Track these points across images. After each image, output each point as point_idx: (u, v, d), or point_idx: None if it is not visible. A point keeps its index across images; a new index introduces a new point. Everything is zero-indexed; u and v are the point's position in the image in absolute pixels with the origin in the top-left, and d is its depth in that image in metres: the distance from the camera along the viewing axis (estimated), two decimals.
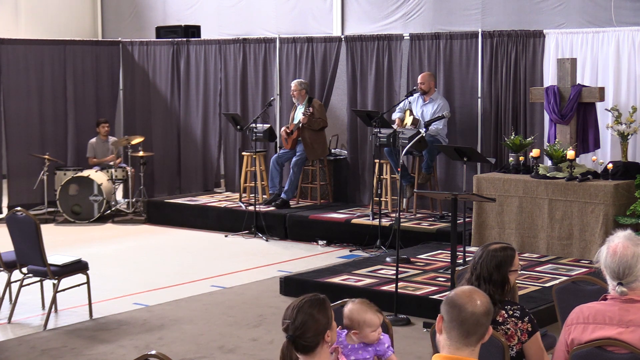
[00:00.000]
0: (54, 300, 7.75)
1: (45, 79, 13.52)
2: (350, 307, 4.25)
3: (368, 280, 8.47)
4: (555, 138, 9.95)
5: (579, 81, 10.13)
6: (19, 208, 7.85)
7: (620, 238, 3.86)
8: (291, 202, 12.01)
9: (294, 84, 11.94)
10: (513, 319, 4.29)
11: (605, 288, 4.87)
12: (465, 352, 3.24)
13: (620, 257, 3.80)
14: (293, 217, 11.40)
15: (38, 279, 7.94)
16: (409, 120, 11.09)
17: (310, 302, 3.56)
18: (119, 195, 13.56)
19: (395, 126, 11.06)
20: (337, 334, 4.22)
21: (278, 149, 12.53)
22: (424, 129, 8.97)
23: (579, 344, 3.91)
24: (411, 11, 12.15)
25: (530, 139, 10.28)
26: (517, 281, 4.75)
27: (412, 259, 9.25)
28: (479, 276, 4.33)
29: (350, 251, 10.54)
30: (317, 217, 11.28)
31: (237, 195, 12.87)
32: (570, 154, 9.42)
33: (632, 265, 3.81)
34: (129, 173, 12.88)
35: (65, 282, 7.80)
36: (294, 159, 11.94)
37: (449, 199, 7.64)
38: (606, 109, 10.17)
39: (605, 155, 10.29)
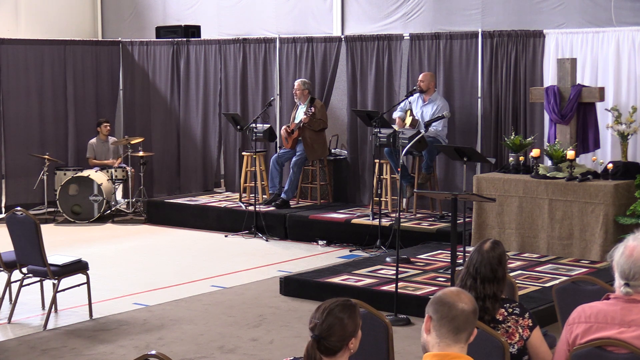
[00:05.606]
0: (54, 300, 7.74)
1: (45, 79, 13.51)
2: None
3: (368, 280, 8.47)
4: (555, 138, 9.95)
5: (579, 81, 10.13)
6: (19, 208, 7.84)
7: (639, 240, 3.85)
8: (291, 202, 12.00)
9: (297, 83, 11.93)
10: (513, 316, 4.32)
11: (605, 288, 4.88)
12: (456, 348, 3.30)
13: (635, 260, 3.80)
14: (293, 217, 11.39)
15: (38, 279, 7.93)
16: (408, 120, 11.09)
17: (341, 307, 3.52)
18: (119, 195, 13.56)
19: (395, 126, 11.05)
20: None
21: (278, 148, 12.52)
22: (424, 129, 8.95)
23: (580, 343, 3.91)
24: (411, 11, 12.14)
25: (530, 139, 10.28)
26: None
27: (412, 259, 9.25)
28: (483, 279, 4.34)
29: (350, 251, 10.54)
30: (317, 217, 11.27)
31: (237, 195, 12.87)
32: (570, 154, 9.42)
33: None
34: (129, 173, 12.87)
35: (65, 282, 7.79)
36: (293, 159, 11.94)
37: (449, 199, 7.64)
38: (606, 109, 10.17)
39: (605, 155, 10.29)
